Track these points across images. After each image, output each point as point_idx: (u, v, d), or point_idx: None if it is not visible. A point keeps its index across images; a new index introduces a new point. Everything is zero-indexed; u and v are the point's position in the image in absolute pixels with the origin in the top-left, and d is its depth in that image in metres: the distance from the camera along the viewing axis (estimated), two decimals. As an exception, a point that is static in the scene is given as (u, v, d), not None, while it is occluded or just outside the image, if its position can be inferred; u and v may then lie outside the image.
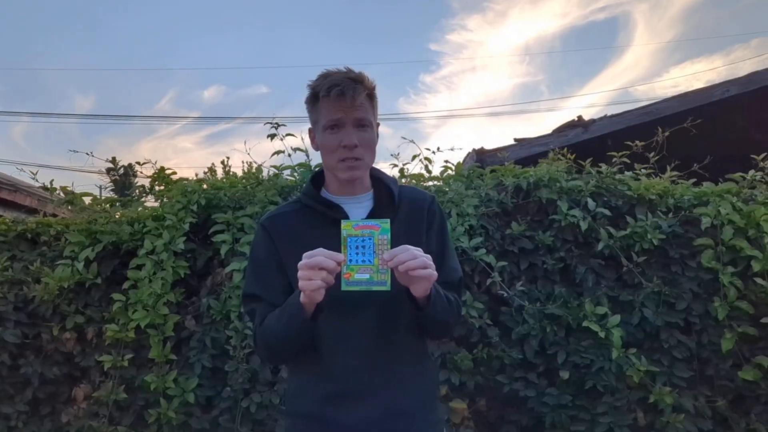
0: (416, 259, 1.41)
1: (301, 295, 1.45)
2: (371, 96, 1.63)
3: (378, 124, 1.70)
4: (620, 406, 3.19)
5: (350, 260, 1.42)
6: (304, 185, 1.79)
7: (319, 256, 1.41)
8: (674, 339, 3.28)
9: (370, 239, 1.43)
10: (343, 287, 1.43)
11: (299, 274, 1.42)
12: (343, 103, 1.56)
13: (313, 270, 1.41)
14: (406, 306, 1.58)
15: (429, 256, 1.45)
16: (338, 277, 1.43)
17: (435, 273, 1.45)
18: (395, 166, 3.66)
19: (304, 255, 1.44)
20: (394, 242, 1.46)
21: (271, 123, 3.57)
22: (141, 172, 3.70)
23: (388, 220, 1.46)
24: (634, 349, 3.16)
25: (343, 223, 1.45)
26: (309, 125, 1.71)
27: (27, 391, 3.29)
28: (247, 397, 3.17)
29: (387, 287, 1.43)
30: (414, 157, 3.66)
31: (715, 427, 3.25)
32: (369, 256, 1.43)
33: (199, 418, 3.21)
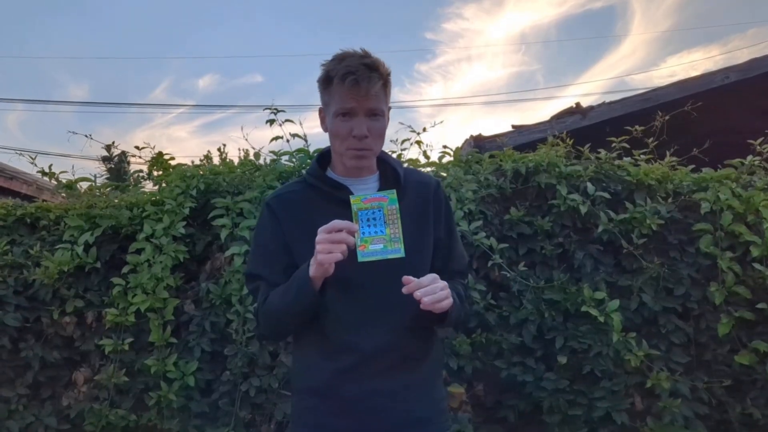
0: (436, 294, 1.48)
1: (312, 268, 1.46)
2: (386, 83, 1.61)
3: (390, 108, 1.69)
4: (617, 391, 3.21)
5: (363, 233, 1.46)
6: (310, 164, 1.78)
7: (338, 229, 1.44)
8: (672, 324, 3.29)
9: (380, 211, 1.47)
10: (360, 258, 1.46)
11: (318, 247, 1.44)
12: (357, 92, 1.54)
13: (334, 243, 1.43)
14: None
15: (445, 283, 1.51)
16: (352, 250, 1.46)
17: (451, 300, 1.52)
18: (393, 152, 3.66)
19: (322, 228, 1.45)
20: (406, 222, 1.50)
21: (270, 109, 3.57)
22: (139, 157, 3.69)
23: (394, 191, 1.51)
24: (633, 333, 3.17)
25: (352, 198, 1.49)
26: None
27: (27, 375, 3.29)
28: (246, 381, 3.19)
29: (402, 254, 1.47)
30: (404, 141, 3.66)
31: (711, 411, 3.28)
32: (381, 227, 1.47)
33: (198, 402, 3.23)
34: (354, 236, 1.45)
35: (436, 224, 1.71)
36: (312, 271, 1.48)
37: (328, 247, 1.43)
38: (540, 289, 3.27)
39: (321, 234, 1.45)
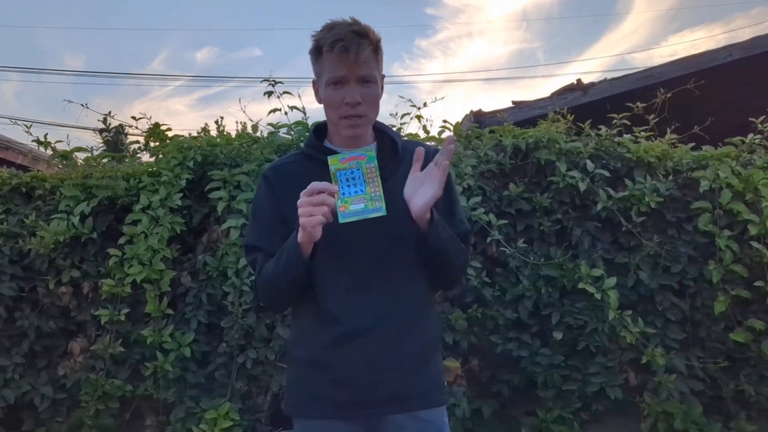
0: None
1: (299, 234, 1.46)
2: (376, 49, 1.59)
3: (383, 77, 1.67)
4: (612, 367, 3.23)
5: (343, 193, 1.44)
6: (308, 136, 1.77)
7: (318, 191, 1.43)
8: (668, 301, 3.30)
9: (358, 170, 1.45)
10: (341, 219, 1.44)
11: (300, 210, 1.43)
12: (346, 59, 1.52)
13: (315, 206, 1.42)
14: (407, 252, 1.59)
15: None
16: (335, 213, 1.45)
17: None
18: (393, 126, 3.63)
19: (303, 192, 1.44)
20: (399, 190, 1.48)
21: (268, 81, 3.53)
22: (136, 128, 3.66)
23: (373, 147, 1.49)
24: (629, 311, 3.18)
25: (330, 159, 1.46)
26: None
27: (23, 344, 3.30)
28: (243, 353, 3.20)
29: (383, 212, 1.45)
30: (404, 115, 3.63)
31: (705, 388, 3.30)
32: (360, 187, 1.45)
33: (195, 373, 3.24)
34: (335, 197, 1.44)
35: None
36: (299, 236, 1.47)
37: (309, 210, 1.42)
38: (537, 266, 3.27)
39: (302, 197, 1.44)
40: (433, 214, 1.50)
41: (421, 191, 1.47)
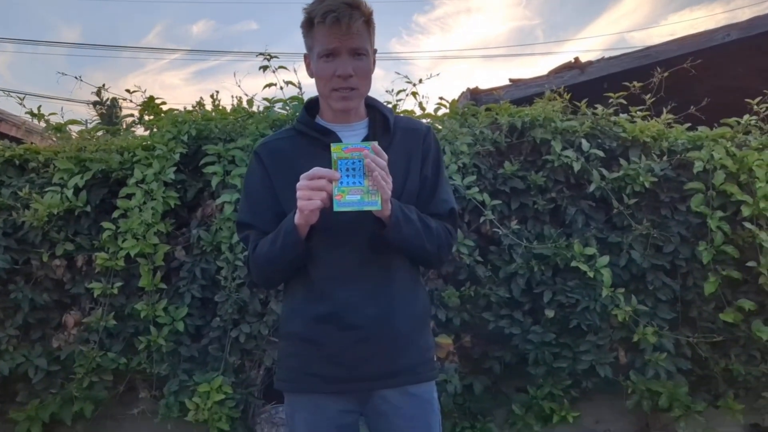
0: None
1: (296, 216, 1.46)
2: (368, 22, 1.58)
3: (375, 51, 1.66)
4: (603, 345, 3.26)
5: (341, 182, 1.44)
6: (299, 112, 1.76)
7: (319, 177, 1.43)
8: (659, 281, 3.33)
9: (359, 162, 1.44)
10: (336, 208, 1.44)
11: (299, 194, 1.44)
12: (338, 30, 1.51)
13: (314, 190, 1.42)
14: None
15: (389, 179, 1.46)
16: (331, 199, 1.45)
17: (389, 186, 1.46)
18: (389, 103, 3.61)
19: (303, 175, 1.45)
20: (389, 169, 1.46)
21: (263, 55, 3.50)
22: (130, 101, 3.62)
23: (376, 142, 1.47)
24: (622, 289, 3.20)
25: (333, 146, 1.46)
26: (300, 61, 1.67)
27: (17, 316, 3.30)
28: (236, 328, 3.21)
29: (378, 207, 1.45)
30: (400, 92, 3.61)
31: (694, 366, 3.34)
32: (359, 178, 1.45)
33: (188, 347, 3.26)
34: (333, 185, 1.44)
35: (423, 165, 1.69)
36: (296, 218, 1.48)
37: (308, 194, 1.43)
38: (530, 245, 3.28)
39: (302, 180, 1.45)
40: (394, 211, 1.51)
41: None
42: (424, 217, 1.62)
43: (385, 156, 1.46)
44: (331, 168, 1.44)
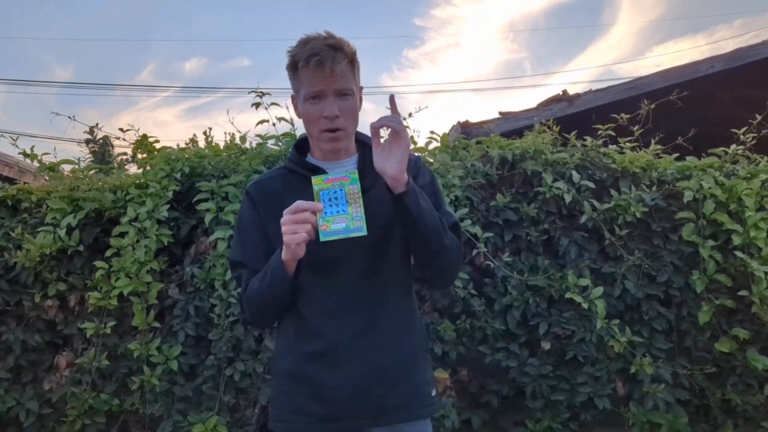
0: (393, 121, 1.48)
1: (283, 252, 1.47)
2: (352, 62, 1.61)
3: (361, 88, 1.69)
4: (600, 377, 3.25)
5: (325, 212, 1.46)
6: (289, 151, 1.78)
7: (301, 209, 1.45)
8: (654, 311, 3.33)
9: (341, 190, 1.47)
10: (322, 238, 1.46)
11: (283, 228, 1.45)
12: (322, 73, 1.54)
13: (298, 223, 1.44)
14: (388, 265, 1.61)
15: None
16: (316, 231, 1.47)
17: (406, 132, 1.49)
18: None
19: (286, 210, 1.46)
20: (380, 202, 1.51)
21: (256, 92, 3.54)
22: (123, 140, 3.64)
23: (356, 170, 1.50)
24: (617, 320, 3.20)
25: (314, 179, 1.49)
26: (292, 96, 1.70)
27: (9, 359, 3.26)
28: (231, 366, 3.18)
29: (364, 232, 1.47)
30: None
31: (692, 397, 3.32)
32: (342, 206, 1.47)
33: (182, 386, 3.22)
34: (317, 216, 1.46)
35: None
36: (283, 254, 1.48)
37: (292, 227, 1.44)
38: (524, 276, 3.29)
39: (285, 215, 1.46)
40: (410, 181, 1.51)
41: (392, 156, 1.49)
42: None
43: (398, 112, 1.53)
44: (313, 199, 1.47)
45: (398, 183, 1.48)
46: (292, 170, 1.71)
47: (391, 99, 1.55)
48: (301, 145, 1.76)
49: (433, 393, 1.70)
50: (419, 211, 1.51)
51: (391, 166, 1.48)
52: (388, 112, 1.59)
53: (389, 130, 1.50)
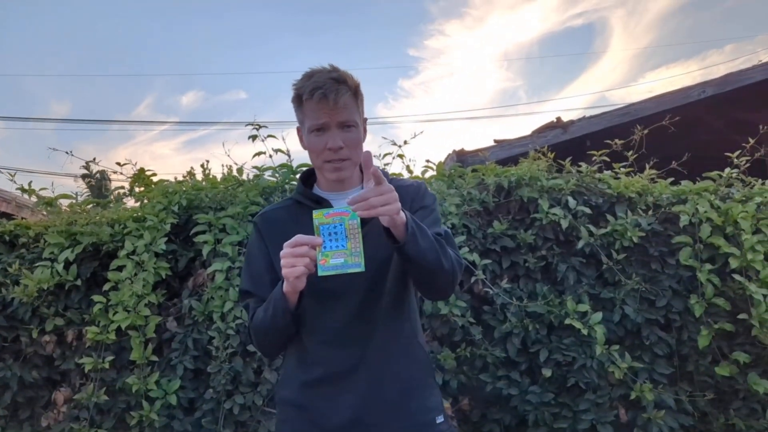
0: (380, 196, 1.42)
1: (284, 284, 1.49)
2: (356, 94, 1.65)
3: (365, 120, 1.72)
4: (602, 403, 3.22)
5: (324, 247, 1.48)
6: (296, 183, 1.82)
7: (300, 243, 1.46)
8: (655, 336, 3.32)
9: (341, 225, 1.48)
10: (320, 272, 1.48)
11: (282, 262, 1.48)
12: (326, 105, 1.57)
13: (297, 257, 1.45)
14: (386, 295, 1.62)
15: (395, 194, 1.45)
16: (315, 265, 1.48)
17: (397, 203, 1.44)
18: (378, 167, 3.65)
19: (286, 243, 1.48)
20: (380, 236, 1.51)
21: (252, 125, 3.57)
22: (120, 173, 3.66)
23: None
24: (617, 346, 3.19)
25: (315, 213, 1.50)
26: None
27: (6, 396, 3.23)
28: (230, 399, 3.15)
29: (362, 268, 1.48)
30: (386, 155, 3.67)
31: (695, 422, 3.30)
32: (342, 242, 1.48)
33: (181, 420, 3.19)
34: (316, 250, 1.47)
35: (417, 209, 1.71)
36: (284, 286, 1.51)
37: (291, 261, 1.46)
38: (523, 303, 3.28)
39: (285, 249, 1.48)
40: (408, 222, 1.48)
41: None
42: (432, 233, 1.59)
43: (384, 182, 1.45)
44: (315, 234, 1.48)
45: (395, 230, 1.49)
46: (298, 201, 1.75)
47: (366, 157, 1.50)
48: (307, 177, 1.81)
49: (439, 419, 1.69)
50: (418, 252, 1.50)
51: (382, 219, 1.47)
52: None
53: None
